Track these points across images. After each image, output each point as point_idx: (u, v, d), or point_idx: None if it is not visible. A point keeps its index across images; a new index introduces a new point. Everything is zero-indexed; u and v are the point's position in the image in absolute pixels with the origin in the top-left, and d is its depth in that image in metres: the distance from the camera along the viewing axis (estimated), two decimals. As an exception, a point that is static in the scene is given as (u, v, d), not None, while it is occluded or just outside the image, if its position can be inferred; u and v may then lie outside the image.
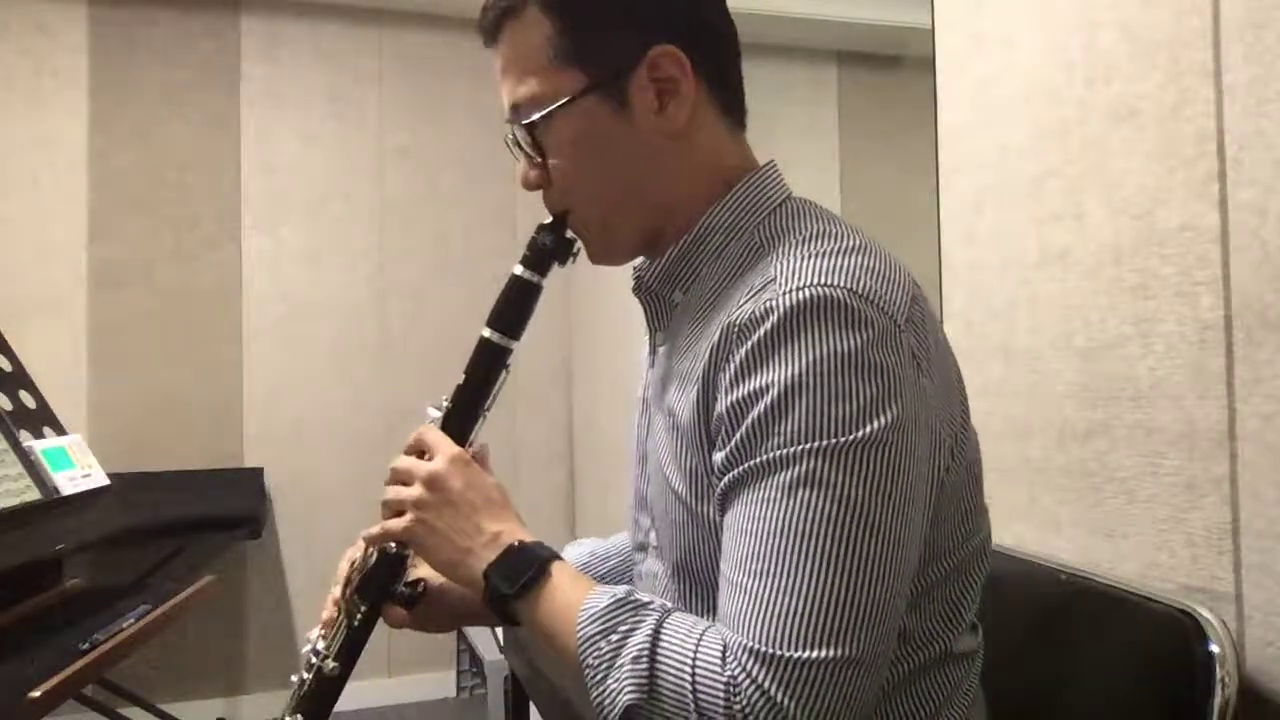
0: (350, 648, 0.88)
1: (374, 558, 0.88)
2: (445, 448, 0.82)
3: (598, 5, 0.78)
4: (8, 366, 2.03)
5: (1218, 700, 0.77)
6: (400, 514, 0.82)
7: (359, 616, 0.88)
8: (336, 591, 0.91)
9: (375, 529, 0.85)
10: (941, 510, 0.73)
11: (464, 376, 0.86)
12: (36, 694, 1.33)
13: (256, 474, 3.14)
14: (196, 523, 2.76)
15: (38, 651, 1.54)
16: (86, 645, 1.53)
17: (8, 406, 1.92)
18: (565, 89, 0.78)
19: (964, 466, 0.77)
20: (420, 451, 0.84)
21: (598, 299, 3.09)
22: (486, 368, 0.86)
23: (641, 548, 0.91)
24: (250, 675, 3.15)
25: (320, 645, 0.89)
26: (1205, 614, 0.82)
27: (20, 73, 3.00)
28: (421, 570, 0.95)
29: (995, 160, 1.22)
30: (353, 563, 0.91)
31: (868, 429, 0.64)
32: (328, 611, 0.91)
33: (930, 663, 0.76)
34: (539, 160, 0.82)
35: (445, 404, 0.87)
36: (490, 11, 0.81)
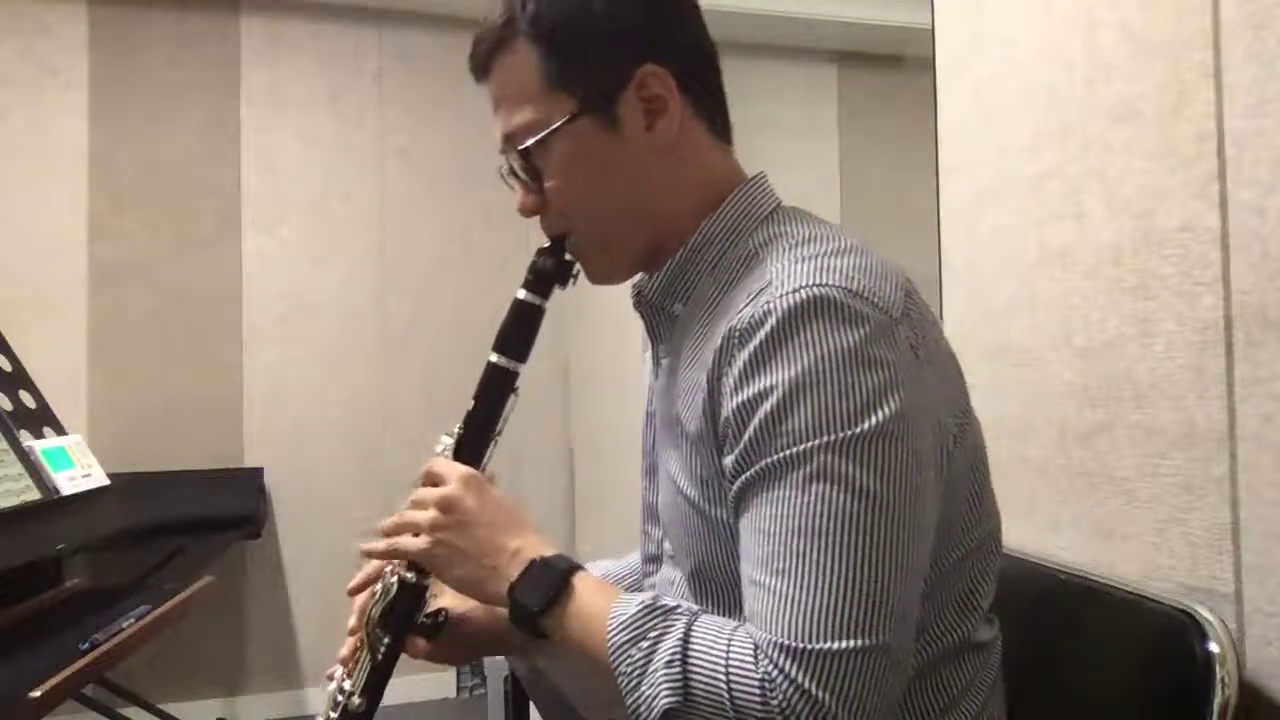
0: (375, 682, 0.88)
1: (395, 589, 0.88)
2: (455, 471, 0.83)
3: (582, 32, 0.80)
4: (8, 366, 2.03)
5: (1218, 700, 0.77)
6: (414, 535, 0.82)
7: (382, 649, 0.87)
8: (353, 622, 0.91)
9: (380, 544, 0.84)
10: (949, 496, 0.75)
11: (473, 402, 0.87)
12: (36, 694, 1.33)
13: (256, 474, 3.13)
14: (196, 523, 2.76)
15: (38, 651, 1.54)
16: (86, 645, 1.53)
17: (8, 406, 1.92)
18: (557, 114, 0.80)
19: (968, 452, 0.78)
20: (431, 481, 0.84)
21: (597, 303, 3.09)
22: (495, 392, 0.87)
23: (654, 559, 0.91)
24: (250, 675, 3.14)
25: (346, 684, 0.89)
26: (1205, 614, 0.82)
27: (20, 73, 3.00)
28: (442, 600, 0.95)
29: (995, 160, 1.22)
30: (372, 594, 0.90)
31: (873, 420, 0.66)
32: (347, 648, 0.91)
33: (947, 653, 0.77)
34: (535, 185, 0.84)
35: (458, 430, 0.88)
36: (480, 46, 0.84)
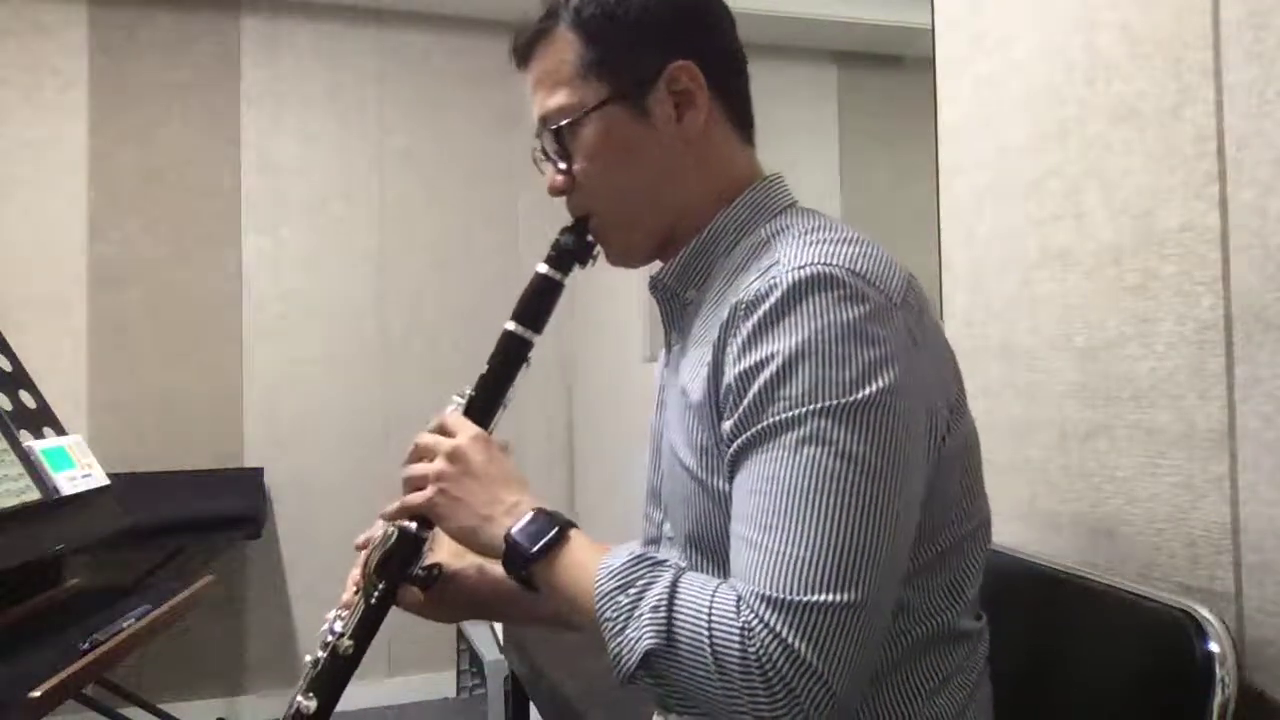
0: (366, 626, 0.91)
1: (394, 538, 0.91)
2: (468, 427, 0.88)
3: (622, 26, 0.85)
4: (8, 366, 2.03)
5: (1217, 700, 0.78)
6: (420, 489, 0.86)
7: (376, 594, 0.91)
8: (356, 573, 0.94)
9: (393, 505, 0.89)
10: (940, 483, 0.77)
11: (487, 366, 0.92)
12: (36, 694, 1.33)
13: (256, 474, 3.13)
14: (196, 523, 2.76)
15: (38, 651, 1.54)
16: (86, 645, 1.53)
17: (8, 406, 1.92)
18: (591, 99, 0.85)
19: (960, 443, 0.80)
20: (443, 432, 0.89)
21: (600, 299, 3.09)
22: (509, 359, 0.92)
23: (654, 540, 0.94)
24: (250, 675, 3.15)
25: (338, 625, 0.92)
26: (1205, 614, 0.82)
27: (20, 72, 3.00)
28: (438, 555, 0.99)
29: (995, 160, 1.22)
30: (370, 542, 0.93)
31: (867, 390, 0.68)
32: (348, 594, 0.95)
33: (931, 639, 0.79)
34: (565, 166, 0.88)
35: (469, 392, 0.92)
36: (522, 36, 0.89)
